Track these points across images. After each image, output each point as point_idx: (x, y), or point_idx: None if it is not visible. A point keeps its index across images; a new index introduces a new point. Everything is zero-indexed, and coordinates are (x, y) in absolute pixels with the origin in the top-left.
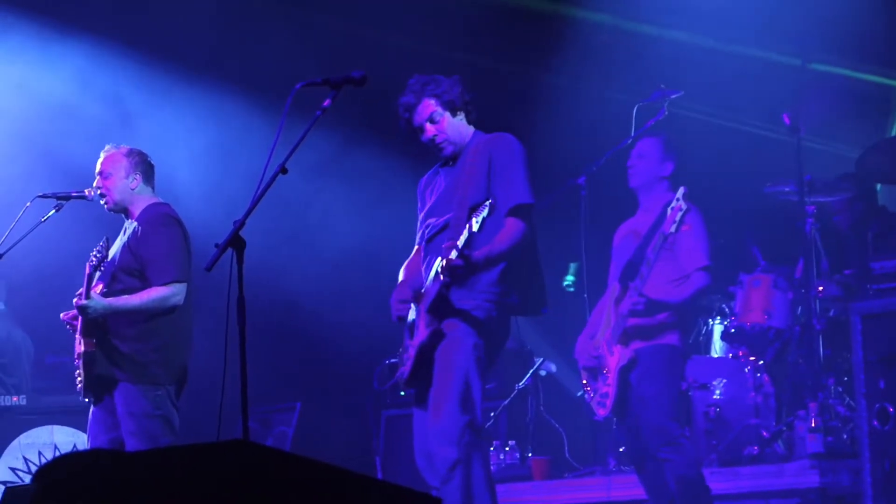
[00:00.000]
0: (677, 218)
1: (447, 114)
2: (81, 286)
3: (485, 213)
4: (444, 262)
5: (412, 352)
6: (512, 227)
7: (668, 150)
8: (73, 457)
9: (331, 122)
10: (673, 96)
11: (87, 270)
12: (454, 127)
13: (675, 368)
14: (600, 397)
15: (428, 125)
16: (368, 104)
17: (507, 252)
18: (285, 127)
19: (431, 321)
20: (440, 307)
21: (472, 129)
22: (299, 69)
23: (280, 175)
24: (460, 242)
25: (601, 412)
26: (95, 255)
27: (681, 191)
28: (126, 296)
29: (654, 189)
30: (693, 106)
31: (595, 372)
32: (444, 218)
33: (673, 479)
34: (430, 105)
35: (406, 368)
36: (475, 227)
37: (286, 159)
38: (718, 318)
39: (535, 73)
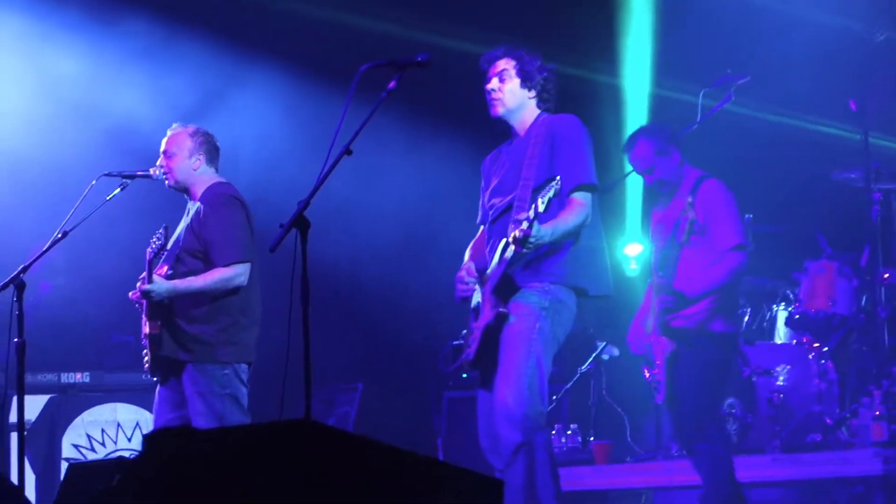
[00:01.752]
0: (686, 228)
1: (517, 80)
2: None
3: (551, 193)
4: (515, 232)
5: (477, 334)
6: (576, 206)
7: (663, 139)
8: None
9: (396, 101)
10: (740, 81)
11: (148, 257)
12: (515, 95)
13: (718, 356)
14: (655, 384)
15: (494, 79)
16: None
17: (572, 229)
18: (351, 108)
19: (497, 303)
20: (505, 289)
21: (537, 110)
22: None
23: (345, 156)
24: (530, 214)
25: (658, 398)
26: (155, 242)
27: (689, 199)
28: (189, 277)
29: (681, 175)
30: (759, 91)
31: (648, 358)
32: (508, 199)
33: (703, 472)
34: (508, 64)
35: (471, 350)
36: (541, 208)
37: (351, 140)
38: (783, 304)
39: (597, 58)
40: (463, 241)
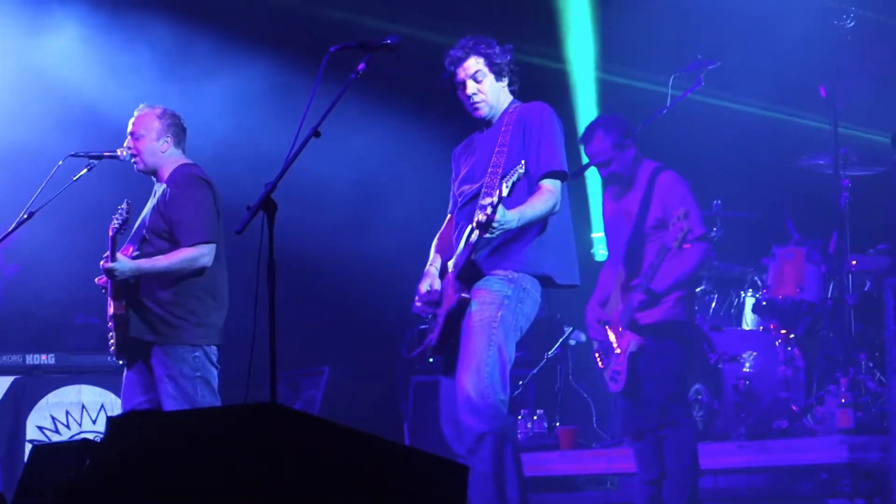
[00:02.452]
0: (679, 236)
1: (491, 76)
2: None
3: (515, 177)
4: (479, 215)
5: (440, 319)
6: (544, 193)
7: (621, 132)
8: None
9: (362, 84)
10: (710, 67)
11: (111, 233)
12: (495, 91)
13: (683, 344)
14: (612, 373)
15: (470, 82)
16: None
17: (539, 216)
18: (319, 90)
19: (460, 288)
20: (470, 274)
21: (511, 97)
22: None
23: (312, 138)
24: (494, 200)
25: (614, 387)
26: (117, 219)
27: (682, 209)
28: (154, 257)
29: (636, 168)
30: (729, 76)
31: (605, 345)
32: (477, 185)
33: (668, 457)
34: (478, 63)
35: (434, 336)
36: (505, 192)
37: (319, 122)
38: (750, 290)
39: (541, 42)
40: (431, 223)
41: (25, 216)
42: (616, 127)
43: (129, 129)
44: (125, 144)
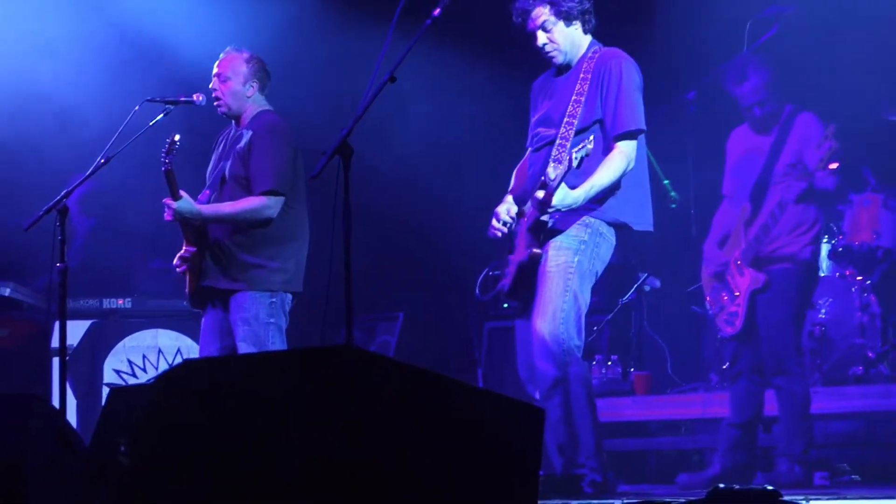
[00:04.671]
0: (825, 156)
1: (560, 23)
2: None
3: (583, 152)
4: (539, 192)
5: (512, 268)
6: (615, 157)
7: (769, 72)
8: (191, 363)
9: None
10: (787, 12)
11: (163, 170)
12: (566, 36)
13: (807, 286)
14: (728, 315)
15: (539, 33)
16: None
17: (610, 183)
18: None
19: (531, 242)
20: (540, 227)
21: (588, 38)
22: None
23: (388, 83)
24: (553, 176)
25: (729, 330)
26: (165, 153)
27: (831, 128)
28: (218, 204)
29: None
30: (808, 22)
31: (722, 281)
32: (552, 132)
33: (783, 405)
34: (543, 13)
35: (507, 282)
36: (574, 164)
37: (395, 68)
38: (826, 236)
39: None
40: (505, 168)
41: (102, 161)
42: (769, 64)
43: (215, 70)
44: (210, 86)
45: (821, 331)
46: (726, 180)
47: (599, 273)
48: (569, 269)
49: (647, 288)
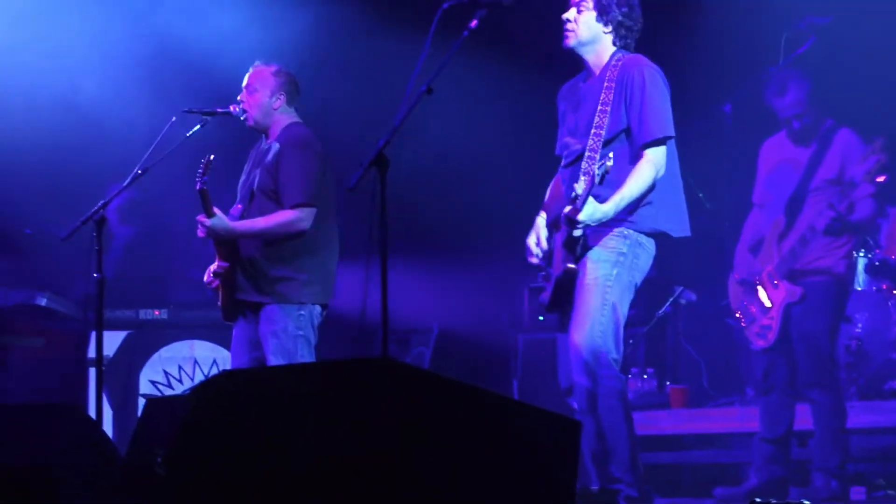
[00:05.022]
0: (873, 169)
1: (593, 13)
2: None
3: (604, 170)
4: (567, 207)
5: (551, 282)
6: (643, 167)
7: (809, 85)
8: (229, 375)
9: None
10: (822, 24)
11: (198, 187)
12: (590, 29)
13: (842, 299)
14: (760, 328)
15: (572, 9)
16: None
17: (640, 194)
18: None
19: (566, 257)
20: (574, 242)
21: (613, 47)
22: None
23: (425, 95)
24: (579, 189)
25: (761, 343)
26: (201, 172)
27: (878, 142)
28: (251, 219)
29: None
30: (844, 34)
31: (750, 290)
32: (580, 146)
33: (818, 418)
34: None
35: (546, 295)
36: (597, 181)
37: (431, 79)
38: (863, 250)
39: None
40: (542, 177)
41: (140, 172)
42: (808, 78)
43: (244, 82)
44: (238, 98)
45: (857, 345)
46: (758, 188)
47: (639, 284)
48: (607, 282)
49: (682, 301)
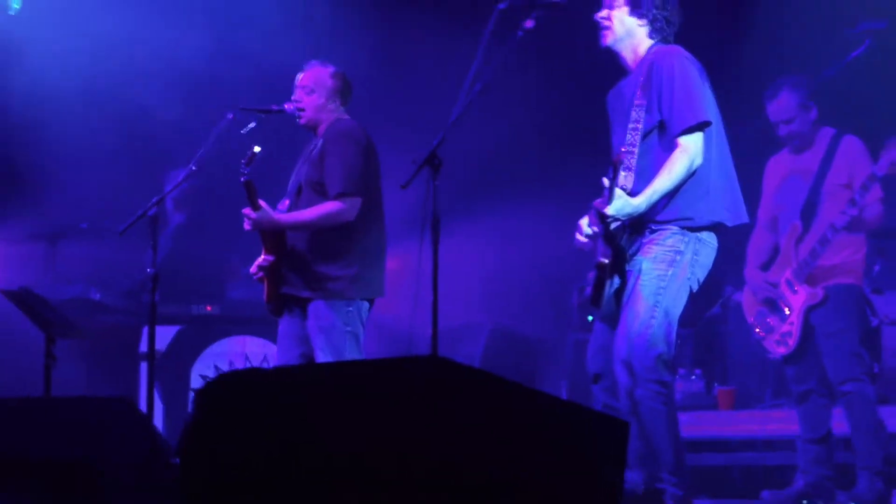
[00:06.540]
0: (867, 185)
1: (626, 7)
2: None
3: (611, 172)
4: (596, 204)
5: (592, 275)
6: (676, 158)
7: (806, 93)
8: (234, 375)
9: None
10: (877, 28)
11: (242, 181)
12: (623, 24)
13: (861, 306)
14: (780, 336)
15: (605, 9)
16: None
17: (674, 185)
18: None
19: (604, 251)
20: (610, 237)
21: (650, 41)
22: None
23: (480, 95)
24: (610, 185)
25: (781, 350)
26: (246, 165)
27: (871, 172)
28: (296, 212)
29: (816, 130)
30: None
31: (772, 306)
32: (621, 144)
33: (854, 415)
34: None
35: (588, 289)
36: (620, 181)
37: (488, 80)
38: None
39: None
40: (594, 178)
41: (194, 168)
42: (803, 86)
43: (301, 81)
44: (294, 98)
45: None
46: (763, 205)
47: (702, 279)
48: (661, 283)
49: (732, 302)
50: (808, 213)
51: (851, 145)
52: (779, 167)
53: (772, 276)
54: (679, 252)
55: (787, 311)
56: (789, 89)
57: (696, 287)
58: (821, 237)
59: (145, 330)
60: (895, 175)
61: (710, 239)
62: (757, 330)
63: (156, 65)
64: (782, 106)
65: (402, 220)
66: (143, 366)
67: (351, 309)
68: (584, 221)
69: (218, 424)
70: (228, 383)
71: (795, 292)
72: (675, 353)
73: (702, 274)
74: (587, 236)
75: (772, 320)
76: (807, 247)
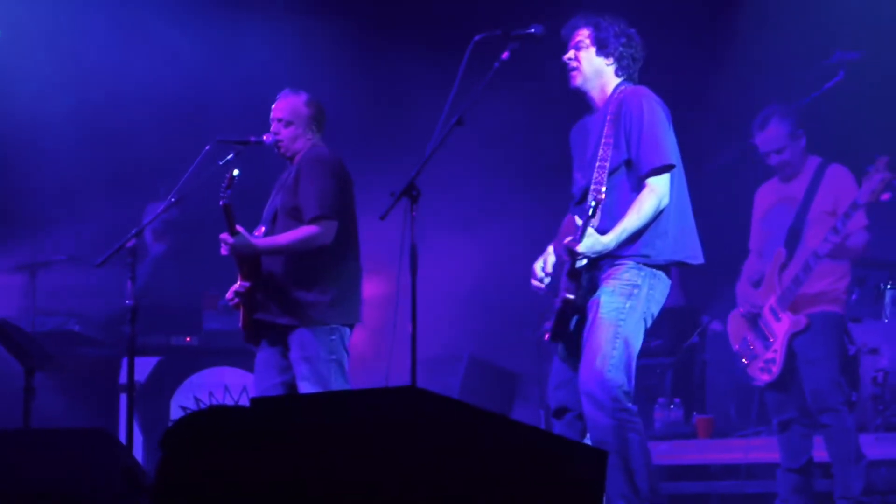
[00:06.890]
0: (877, 188)
1: (593, 49)
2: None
3: (596, 203)
4: (566, 241)
5: (555, 307)
6: (645, 198)
7: (795, 122)
8: (195, 417)
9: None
10: (850, 58)
11: (220, 204)
12: (591, 64)
13: (841, 334)
14: (764, 363)
15: (571, 50)
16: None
17: (642, 225)
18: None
19: (568, 287)
20: (576, 274)
21: (617, 79)
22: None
23: (456, 127)
24: (579, 221)
25: (765, 378)
26: (225, 189)
27: (882, 160)
28: (274, 236)
29: (804, 159)
30: (874, 68)
31: (753, 325)
32: (586, 180)
33: (833, 445)
34: (583, 33)
35: (549, 324)
36: (590, 212)
37: (464, 112)
38: (890, 283)
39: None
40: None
41: (173, 200)
42: (792, 116)
43: (276, 114)
44: (273, 130)
45: (883, 377)
46: (753, 233)
47: (656, 315)
48: (620, 316)
49: (709, 332)
50: (793, 240)
51: (837, 173)
52: (767, 195)
53: (758, 296)
54: (636, 286)
55: (772, 339)
56: (779, 119)
57: (650, 322)
58: (804, 264)
59: (125, 361)
60: (878, 203)
61: (664, 275)
62: (742, 358)
63: (137, 94)
64: (772, 135)
65: (381, 251)
66: (123, 397)
67: (334, 338)
68: (538, 265)
69: (186, 463)
70: (192, 423)
71: (779, 320)
72: (654, 383)
73: (656, 309)
74: (540, 279)
75: (756, 347)
76: (790, 274)
